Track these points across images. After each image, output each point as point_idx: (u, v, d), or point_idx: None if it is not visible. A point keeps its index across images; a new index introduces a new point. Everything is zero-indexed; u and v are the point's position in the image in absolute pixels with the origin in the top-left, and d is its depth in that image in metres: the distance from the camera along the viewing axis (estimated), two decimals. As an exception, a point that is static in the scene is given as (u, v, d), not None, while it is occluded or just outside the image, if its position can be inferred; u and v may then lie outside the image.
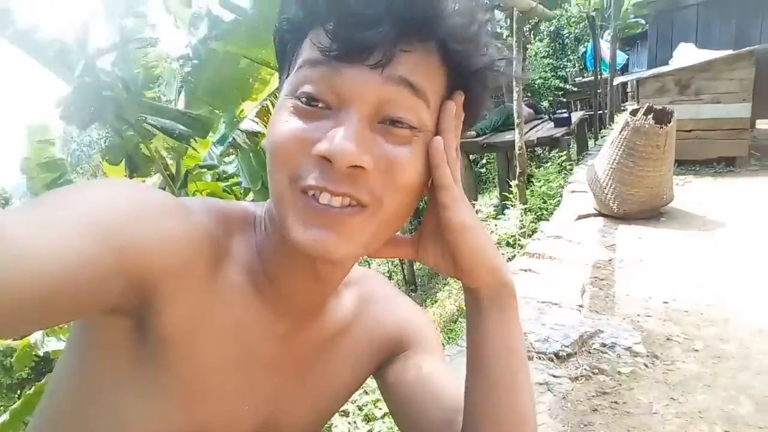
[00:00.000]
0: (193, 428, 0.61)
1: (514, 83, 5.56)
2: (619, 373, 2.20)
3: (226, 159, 5.26)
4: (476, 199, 8.96)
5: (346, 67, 0.50)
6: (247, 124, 4.51)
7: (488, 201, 9.22)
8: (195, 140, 3.95)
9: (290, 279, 0.63)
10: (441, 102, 0.56)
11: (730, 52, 5.84)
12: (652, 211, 4.37)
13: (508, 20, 7.86)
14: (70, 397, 0.62)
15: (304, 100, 0.52)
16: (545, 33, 13.73)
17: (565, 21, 14.34)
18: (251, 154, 4.36)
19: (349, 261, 0.64)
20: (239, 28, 3.47)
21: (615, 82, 9.76)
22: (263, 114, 4.55)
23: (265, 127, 4.49)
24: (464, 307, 0.68)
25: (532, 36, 13.28)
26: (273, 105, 4.33)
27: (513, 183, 5.99)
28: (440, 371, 0.78)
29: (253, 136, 4.45)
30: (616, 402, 2.01)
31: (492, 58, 0.55)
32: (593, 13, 11.45)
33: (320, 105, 0.52)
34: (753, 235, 3.75)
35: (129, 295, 0.50)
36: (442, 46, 0.52)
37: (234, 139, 4.39)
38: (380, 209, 0.54)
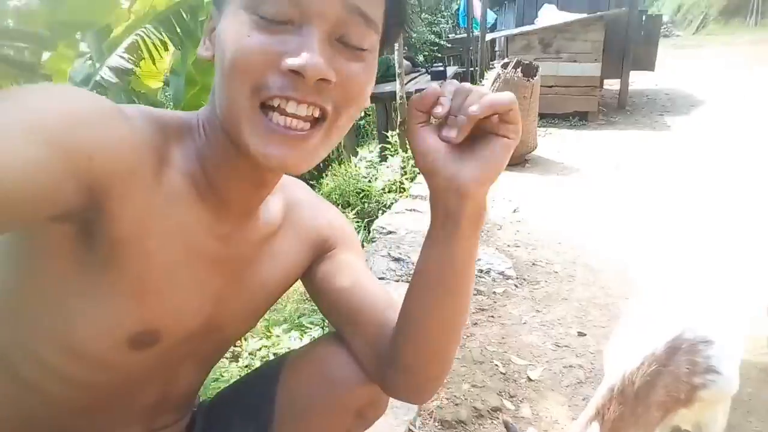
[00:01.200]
0: (142, 326, 0.63)
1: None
2: (494, 293, 2.47)
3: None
4: (356, 153, 9.07)
5: None
6: (115, 61, 4.14)
7: (368, 153, 9.37)
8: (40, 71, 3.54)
9: (231, 183, 0.66)
10: (383, 24, 0.61)
11: (585, 15, 6.42)
12: (518, 158, 4.79)
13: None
14: (12, 304, 0.62)
15: (266, 15, 0.54)
16: (421, -12, 13.92)
17: (440, -22, 14.67)
18: (122, 94, 4.03)
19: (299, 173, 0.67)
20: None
21: (486, 39, 10.26)
22: (133, 50, 4.20)
23: (136, 65, 4.15)
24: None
25: (409, -11, 13.42)
26: (144, 39, 4.00)
27: (393, 133, 6.18)
28: (365, 270, 0.87)
29: (123, 74, 4.10)
30: (492, 316, 2.28)
31: None
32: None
33: (281, 20, 0.54)
34: (600, 179, 4.31)
35: (79, 199, 0.50)
36: None
37: (101, 77, 4.02)
38: (337, 121, 0.59)
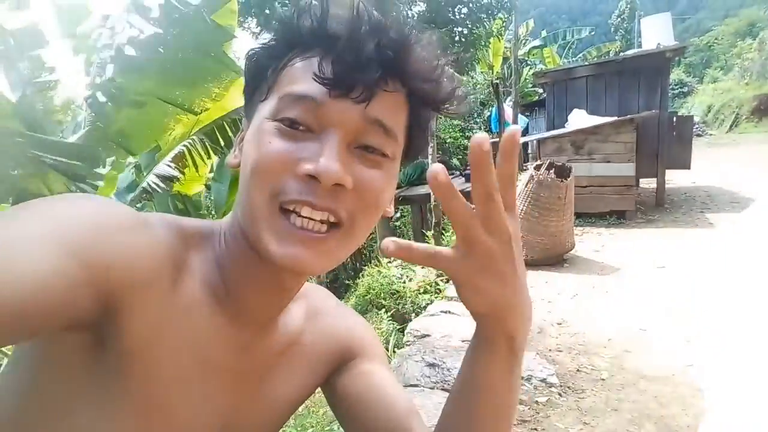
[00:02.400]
0: None
1: (429, 139, 5.88)
2: (536, 402, 2.31)
3: (138, 206, 5.05)
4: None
5: (332, 100, 0.55)
6: (162, 169, 4.40)
7: (403, 253, 9.41)
8: (89, 180, 3.77)
9: (251, 291, 0.65)
10: (404, 131, 0.62)
11: (615, 118, 6.55)
12: (556, 258, 4.69)
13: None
14: (19, 415, 0.60)
15: (287, 122, 0.56)
16: (454, 97, 14.63)
17: (472, 87, 15.47)
18: (168, 199, 4.24)
19: (316, 274, 0.68)
20: (150, 66, 3.43)
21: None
22: (179, 159, 4.47)
23: (181, 172, 4.39)
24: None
25: (442, 98, 14.13)
26: (190, 149, 4.26)
27: (428, 233, 6.22)
28: (388, 378, 0.81)
29: (168, 180, 4.34)
30: (535, 429, 2.10)
31: (448, 93, 0.62)
32: (497, 81, 12.46)
33: (302, 128, 0.56)
34: (642, 278, 4.14)
35: (94, 309, 0.50)
36: (410, 86, 0.59)
37: (148, 184, 4.25)
38: (353, 227, 0.58)
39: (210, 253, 0.65)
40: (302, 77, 0.56)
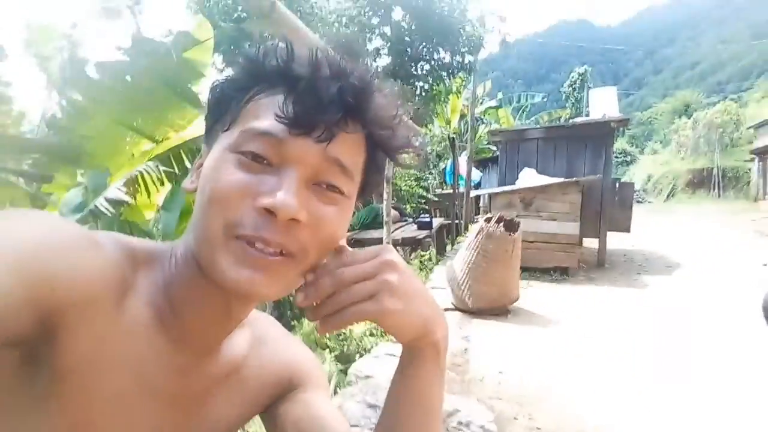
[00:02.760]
0: None
1: (385, 184, 5.98)
2: (474, 448, 2.32)
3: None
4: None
5: (293, 137, 0.58)
6: (113, 192, 4.29)
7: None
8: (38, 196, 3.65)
9: (197, 315, 0.65)
10: (361, 171, 0.66)
11: (563, 179, 6.89)
12: (501, 308, 4.80)
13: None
14: None
15: (249, 156, 0.58)
16: (411, 147, 15.00)
17: (429, 139, 15.93)
18: (115, 223, 4.11)
19: (269, 299, 0.69)
20: (114, 92, 3.41)
21: (471, 195, 10.83)
22: (131, 184, 4.37)
23: (132, 197, 4.30)
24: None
25: (400, 147, 14.46)
26: (143, 175, 4.19)
27: (378, 277, 6.22)
28: (329, 408, 0.82)
29: (118, 204, 4.23)
30: (471, 474, 2.11)
31: (404, 142, 0.67)
32: (453, 135, 12.90)
33: (264, 162, 0.59)
34: (580, 333, 4.29)
35: (33, 327, 0.49)
36: (369, 130, 0.64)
37: (96, 206, 4.13)
38: (305, 259, 0.61)
39: (159, 275, 0.65)
40: (265, 114, 0.58)
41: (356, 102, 0.60)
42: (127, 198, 4.31)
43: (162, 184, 4.35)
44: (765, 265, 7.45)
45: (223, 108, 0.63)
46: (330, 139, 0.58)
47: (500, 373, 3.32)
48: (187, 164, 4.23)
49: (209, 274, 0.59)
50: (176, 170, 4.27)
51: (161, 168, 4.29)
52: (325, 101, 0.58)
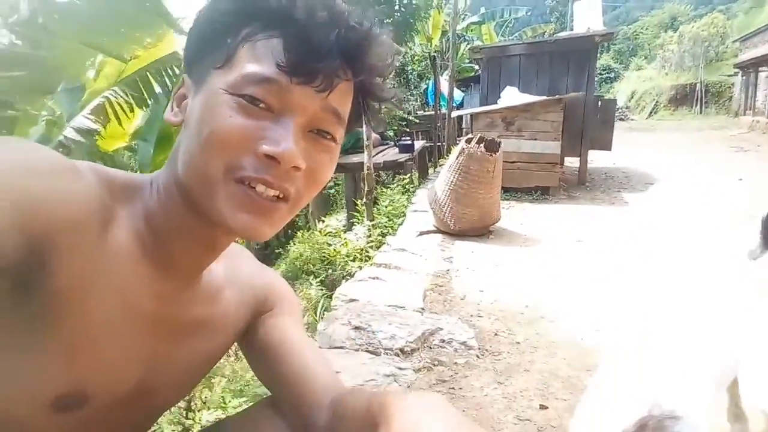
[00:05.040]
0: (71, 387, 0.61)
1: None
2: (456, 363, 2.41)
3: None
4: (323, 221, 9.12)
5: (294, 85, 0.58)
6: (80, 122, 4.12)
7: (336, 221, 9.41)
8: None
9: (180, 245, 0.67)
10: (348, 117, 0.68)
11: (545, 97, 6.78)
12: (482, 229, 4.86)
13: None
14: None
15: (248, 99, 0.58)
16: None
17: (410, 59, 15.45)
18: (86, 154, 3.98)
19: (262, 240, 0.72)
20: (77, 11, 3.18)
21: (453, 115, 10.68)
22: (99, 111, 4.19)
23: (103, 126, 4.14)
24: None
25: (380, 68, 14.03)
26: (111, 101, 4.01)
27: (360, 202, 6.24)
28: (304, 337, 0.86)
29: (88, 134, 4.07)
30: (453, 388, 2.20)
31: (392, 91, 0.69)
32: (435, 54, 12.51)
33: (262, 106, 0.59)
34: (562, 251, 4.38)
35: (20, 251, 0.50)
36: (362, 78, 0.65)
37: (65, 137, 3.98)
38: (299, 202, 0.65)
39: (139, 205, 0.66)
40: (265, 58, 0.58)
41: (354, 51, 0.61)
42: (96, 126, 4.15)
43: (132, 110, 4.18)
44: (740, 179, 7.57)
45: (213, 42, 0.62)
46: (331, 90, 0.60)
47: (481, 291, 3.41)
48: (157, 89, 4.04)
49: (206, 213, 0.62)
50: (145, 96, 4.09)
51: (129, 93, 4.10)
52: (324, 50, 0.58)
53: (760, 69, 18.68)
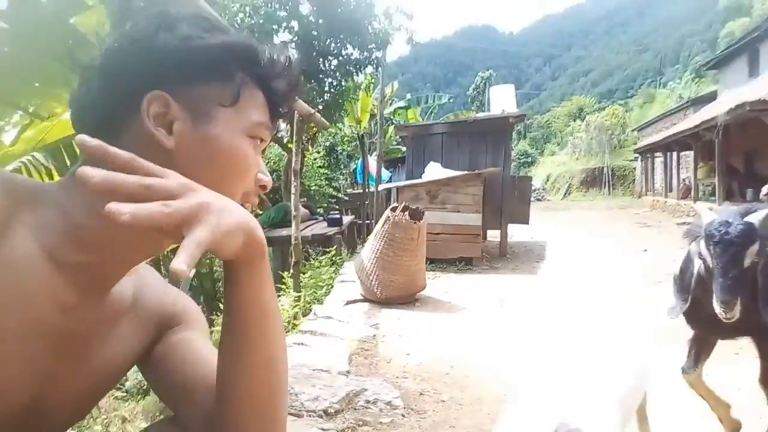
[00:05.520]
0: None
1: (293, 178, 5.91)
2: (381, 423, 2.38)
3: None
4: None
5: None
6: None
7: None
8: None
9: (106, 256, 0.65)
10: None
11: (466, 172, 7.18)
12: (408, 297, 4.92)
13: (288, 126, 8.48)
14: None
15: (256, 140, 0.72)
16: (322, 146, 14.98)
17: (340, 139, 15.98)
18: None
19: None
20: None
21: (380, 188, 10.99)
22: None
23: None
24: None
25: (310, 145, 14.34)
26: (28, 167, 3.86)
27: (287, 274, 6.16)
28: (208, 346, 0.85)
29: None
30: (376, 446, 2.16)
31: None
32: (363, 133, 13.03)
33: (258, 144, 0.73)
34: (485, 316, 4.51)
35: None
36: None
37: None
38: None
39: (51, 212, 0.63)
40: (262, 108, 0.71)
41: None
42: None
43: (51, 177, 4.03)
44: (645, 250, 8.19)
45: (210, 75, 0.67)
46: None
47: (407, 355, 3.41)
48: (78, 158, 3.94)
49: None
50: (67, 163, 3.97)
51: (50, 161, 3.97)
52: (286, 108, 0.77)
53: (655, 155, 20.73)
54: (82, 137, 0.54)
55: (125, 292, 0.75)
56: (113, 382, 0.80)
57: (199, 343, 0.82)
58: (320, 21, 8.14)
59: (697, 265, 1.99)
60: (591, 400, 1.54)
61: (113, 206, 0.47)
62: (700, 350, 2.17)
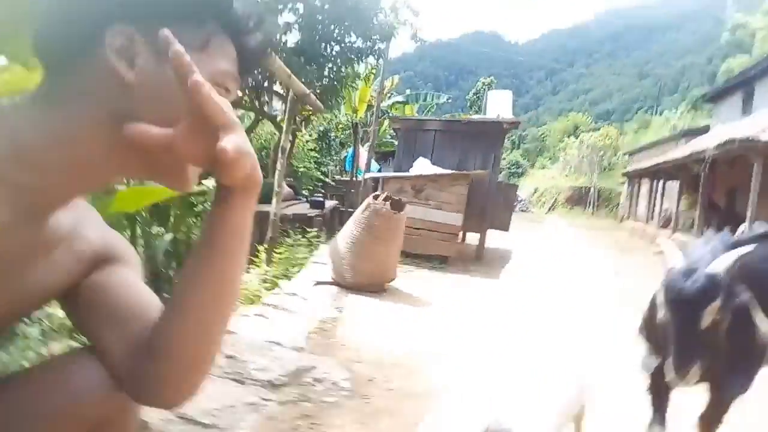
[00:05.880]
0: None
1: (279, 155, 5.86)
2: (323, 401, 2.37)
3: None
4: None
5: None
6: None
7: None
8: None
9: (54, 178, 0.65)
10: None
11: (453, 171, 7.19)
12: (378, 286, 4.91)
13: (282, 104, 8.41)
14: None
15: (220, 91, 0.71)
16: (315, 130, 14.90)
17: (334, 126, 15.92)
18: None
19: None
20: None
21: (367, 176, 10.96)
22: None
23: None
24: None
25: (303, 126, 14.25)
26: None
27: (261, 248, 6.13)
28: (140, 282, 0.86)
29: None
30: (315, 423, 2.16)
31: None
32: (357, 122, 12.98)
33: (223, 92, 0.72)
34: (449, 314, 4.54)
35: None
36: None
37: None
38: None
39: (3, 126, 0.63)
40: (230, 57, 0.72)
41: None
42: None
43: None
44: (617, 273, 8.29)
45: (179, 16, 0.67)
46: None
47: (365, 341, 3.41)
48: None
49: (165, 176, 0.71)
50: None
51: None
52: (255, 62, 0.78)
53: (642, 180, 20.97)
54: (166, 32, 0.61)
55: (63, 223, 0.76)
56: (35, 305, 0.80)
57: (133, 279, 0.84)
58: (326, 6, 8.07)
59: (660, 313, 1.78)
60: (526, 402, 1.55)
61: (198, 77, 0.60)
62: (662, 403, 1.97)
